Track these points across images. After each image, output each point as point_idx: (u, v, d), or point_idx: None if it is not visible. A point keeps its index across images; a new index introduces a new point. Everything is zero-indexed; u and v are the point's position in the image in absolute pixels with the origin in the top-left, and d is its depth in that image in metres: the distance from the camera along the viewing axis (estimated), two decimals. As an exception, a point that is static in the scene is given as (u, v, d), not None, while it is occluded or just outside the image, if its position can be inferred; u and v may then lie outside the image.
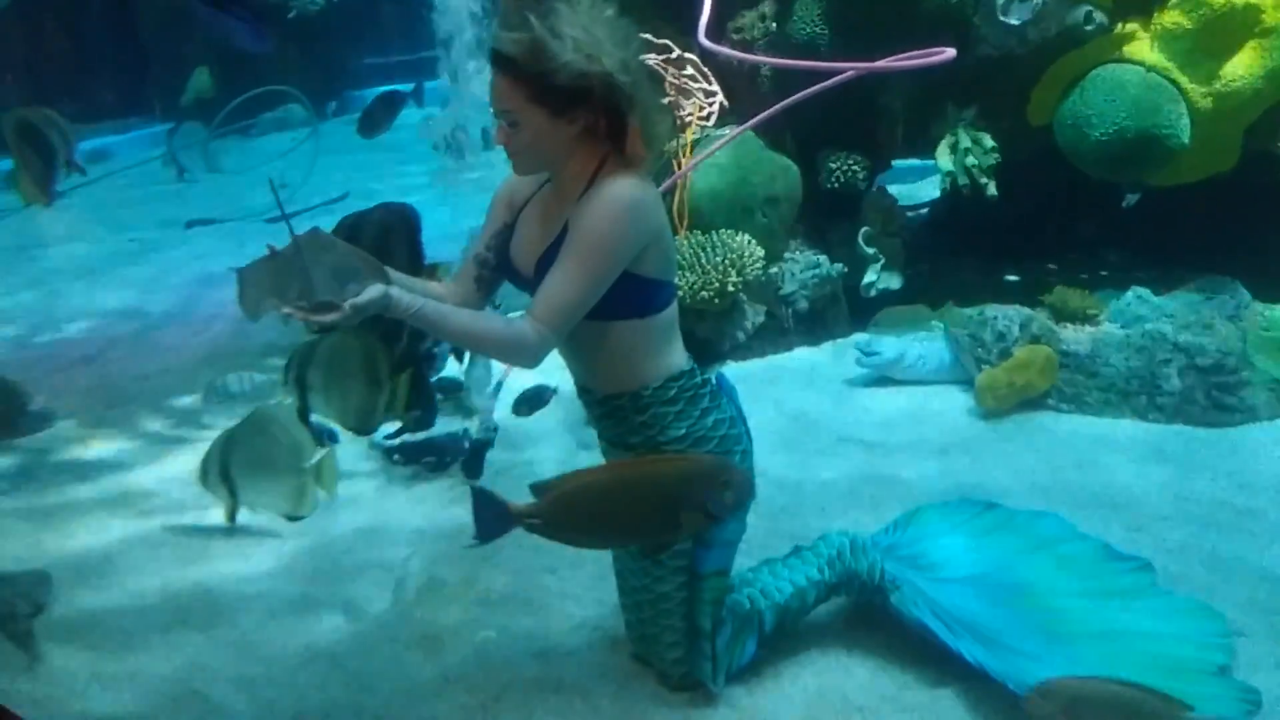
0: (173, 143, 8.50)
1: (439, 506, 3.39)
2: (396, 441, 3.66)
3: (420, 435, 3.66)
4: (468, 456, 3.55)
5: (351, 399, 2.95)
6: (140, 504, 3.50)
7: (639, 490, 2.18)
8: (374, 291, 1.97)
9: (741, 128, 3.87)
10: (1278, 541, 2.95)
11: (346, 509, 3.41)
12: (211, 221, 7.41)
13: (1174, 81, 3.98)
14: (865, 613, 2.61)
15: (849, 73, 3.50)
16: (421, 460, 3.63)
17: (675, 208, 4.28)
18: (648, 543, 2.30)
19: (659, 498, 2.17)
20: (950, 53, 2.92)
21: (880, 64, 3.52)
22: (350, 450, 3.77)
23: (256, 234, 4.56)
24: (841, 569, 2.53)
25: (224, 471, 3.01)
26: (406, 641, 2.69)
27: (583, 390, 2.35)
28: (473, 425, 3.70)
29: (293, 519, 3.01)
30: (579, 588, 2.87)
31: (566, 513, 2.15)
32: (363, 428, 3.03)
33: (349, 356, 2.94)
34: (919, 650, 2.47)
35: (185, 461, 3.64)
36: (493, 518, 2.19)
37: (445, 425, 3.74)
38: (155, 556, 3.17)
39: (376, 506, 3.43)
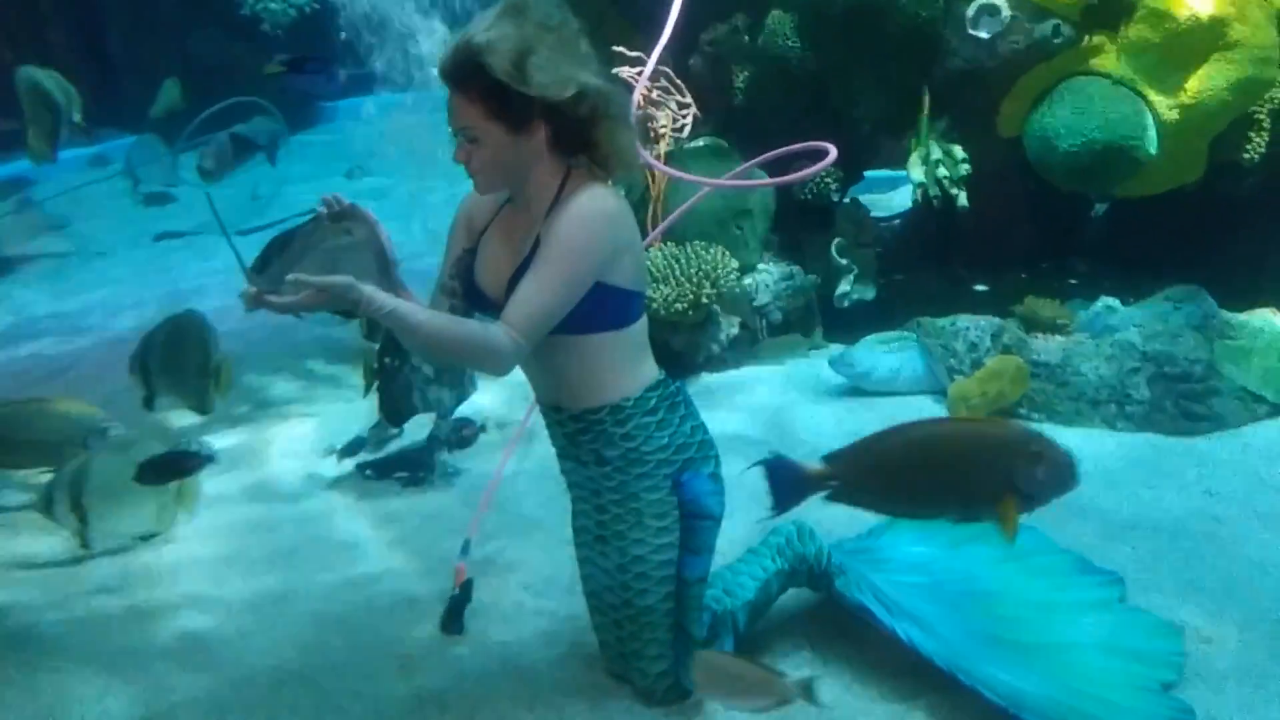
0: (130, 156, 8.40)
1: (411, 522, 3.37)
2: (371, 458, 3.65)
3: (392, 449, 3.65)
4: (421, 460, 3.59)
5: (188, 381, 3.21)
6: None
7: (941, 453, 2.08)
8: (341, 279, 1.92)
9: (696, 197, 3.90)
10: (1247, 549, 2.97)
11: (317, 525, 3.38)
12: (181, 234, 7.34)
13: (1140, 94, 4.03)
14: (839, 623, 2.62)
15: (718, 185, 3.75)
16: (393, 475, 3.61)
17: (649, 219, 4.28)
18: (956, 512, 2.15)
19: (963, 462, 2.06)
20: (832, 154, 3.13)
21: (769, 180, 3.80)
22: (322, 466, 3.76)
23: (227, 247, 4.51)
24: (791, 554, 2.56)
25: (75, 500, 3.05)
26: (379, 660, 2.66)
27: (552, 409, 2.32)
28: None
29: (147, 538, 3.12)
30: (553, 603, 2.85)
31: (866, 475, 2.08)
32: (199, 408, 3.33)
33: (184, 341, 3.20)
34: (893, 662, 2.47)
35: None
36: (789, 485, 2.13)
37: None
38: (124, 579, 3.13)
39: (348, 523, 3.40)
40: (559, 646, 2.68)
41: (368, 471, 3.63)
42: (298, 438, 3.99)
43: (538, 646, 2.69)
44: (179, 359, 3.36)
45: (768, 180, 3.75)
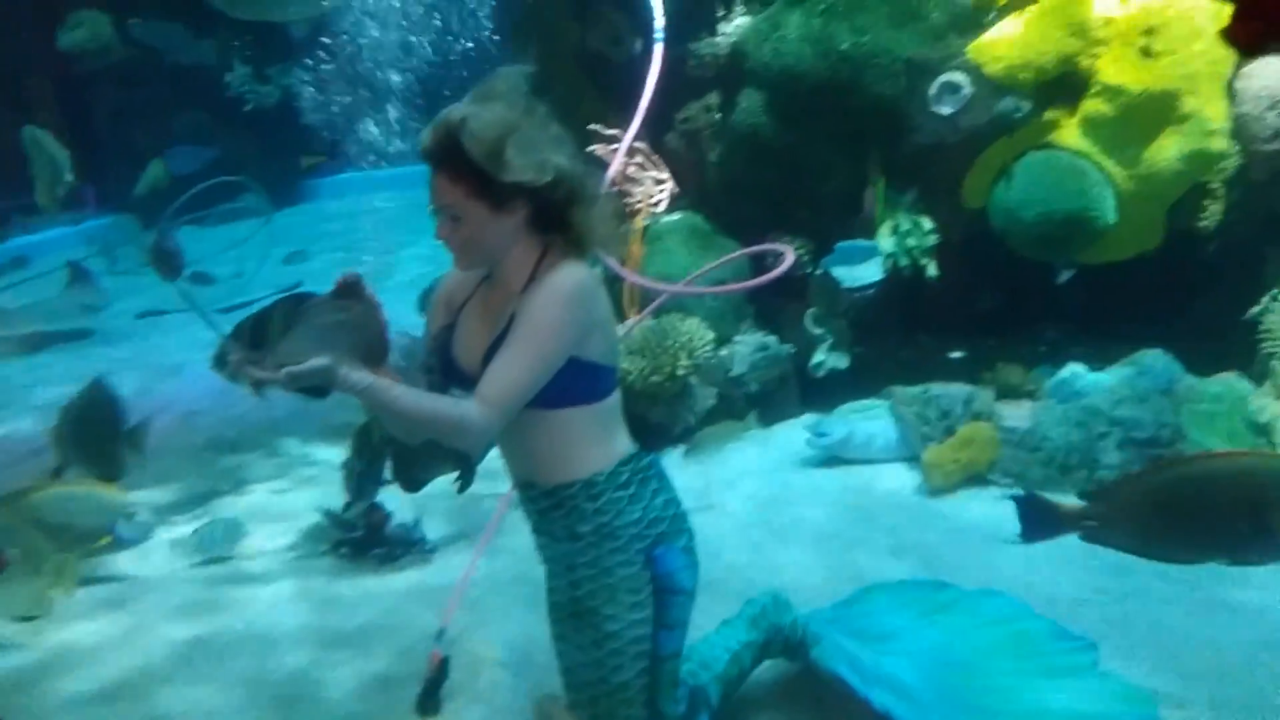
0: (107, 235, 8.50)
1: (387, 601, 3.36)
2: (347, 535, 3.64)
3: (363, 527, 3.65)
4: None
5: (99, 449, 3.44)
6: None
7: (1217, 488, 1.93)
8: (317, 362, 1.94)
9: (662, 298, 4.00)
10: (1216, 613, 3.00)
11: (294, 605, 3.37)
12: (163, 312, 7.36)
13: (1099, 165, 4.15)
14: (814, 694, 2.62)
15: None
16: (369, 554, 3.61)
17: (625, 296, 4.35)
18: (1227, 556, 2.02)
19: (1241, 499, 1.91)
20: (790, 258, 3.36)
21: (731, 287, 3.98)
22: (296, 543, 3.75)
23: (209, 325, 4.56)
24: (767, 625, 2.57)
25: None
26: (354, 742, 2.65)
27: (526, 486, 2.34)
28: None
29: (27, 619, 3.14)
30: (528, 681, 2.84)
31: (1129, 514, 1.95)
32: (108, 474, 3.51)
33: (96, 410, 3.45)
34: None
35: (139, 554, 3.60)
36: (1042, 522, 2.07)
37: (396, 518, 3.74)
38: (93, 658, 3.10)
39: (321, 601, 3.38)
40: (536, 726, 2.67)
41: (343, 550, 3.63)
42: (274, 515, 3.98)
43: (514, 726, 2.68)
44: (91, 428, 3.61)
45: (731, 286, 3.92)
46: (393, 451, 3.49)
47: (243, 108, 9.73)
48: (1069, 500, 2.08)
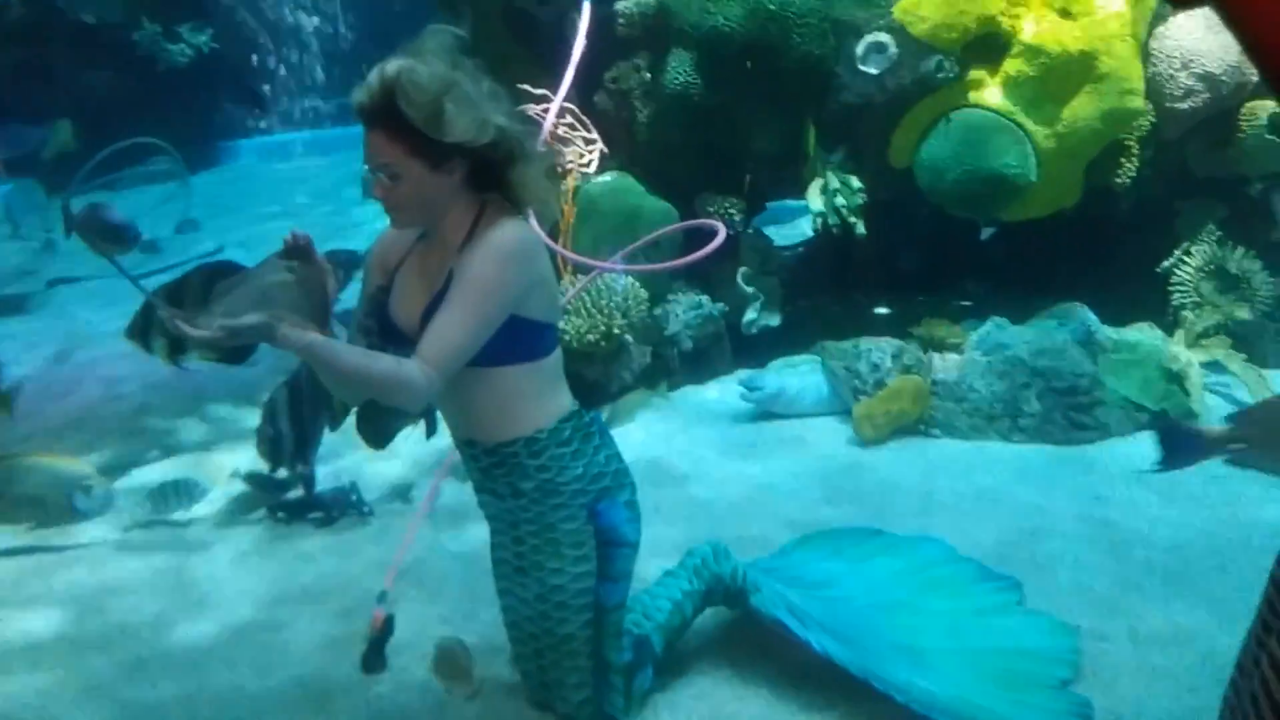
0: (9, 202, 8.14)
1: (327, 563, 3.34)
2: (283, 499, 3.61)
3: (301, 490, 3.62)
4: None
5: None
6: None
7: None
8: (253, 317, 1.91)
9: (591, 276, 4.05)
10: (1134, 550, 3.14)
11: (233, 569, 3.33)
12: (75, 280, 7.12)
13: (1020, 124, 4.26)
14: (756, 640, 2.69)
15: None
16: (307, 517, 3.58)
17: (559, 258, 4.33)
18: None
19: None
20: (722, 233, 3.32)
21: (663, 265, 3.98)
22: (235, 507, 3.70)
23: (125, 292, 4.41)
24: (708, 574, 2.62)
25: None
26: (298, 702, 2.63)
27: (467, 444, 2.34)
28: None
29: None
30: (473, 636, 2.85)
31: (1275, 433, 1.91)
32: None
33: None
34: (809, 674, 2.55)
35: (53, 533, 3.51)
36: (1185, 448, 2.03)
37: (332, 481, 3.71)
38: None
39: (262, 565, 3.35)
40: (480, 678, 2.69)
41: (280, 514, 3.58)
42: (207, 480, 3.90)
43: (459, 680, 2.69)
44: None
45: (664, 265, 3.93)
46: (359, 411, 3.45)
47: (154, 68, 9.38)
48: (1215, 425, 2.07)
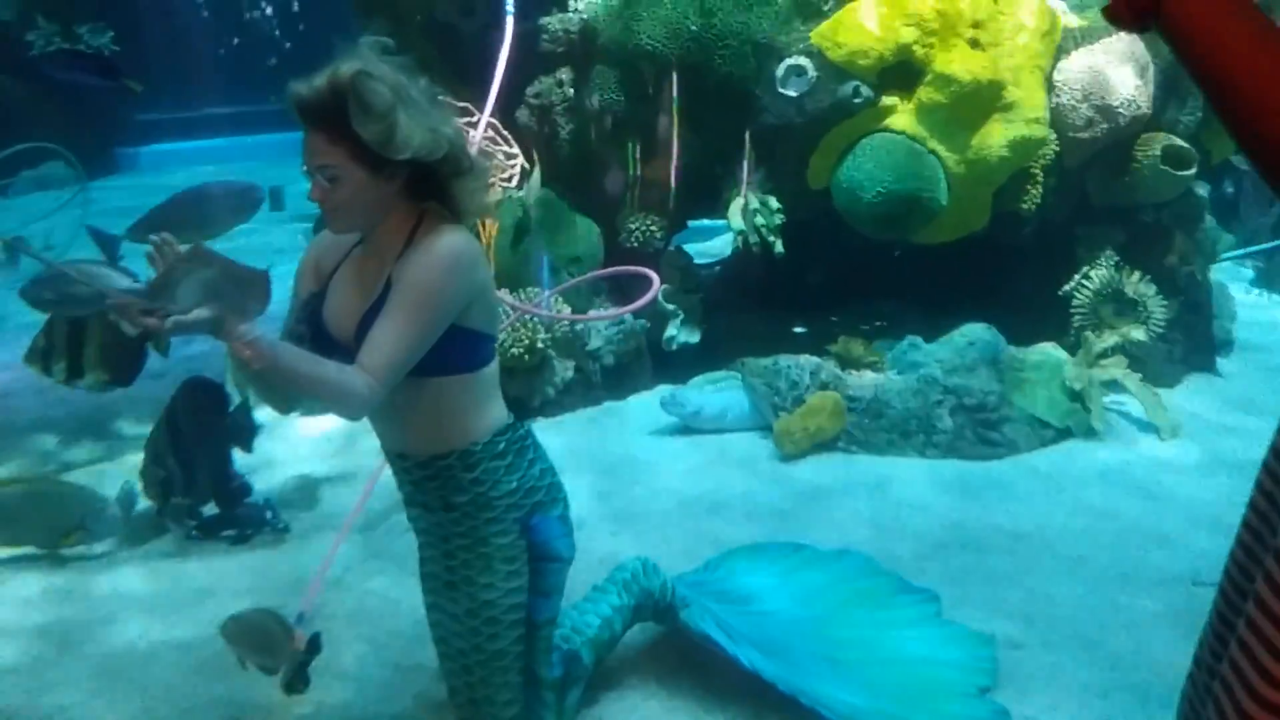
0: None
1: (243, 580, 3.24)
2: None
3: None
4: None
5: None
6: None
7: None
8: (203, 312, 1.83)
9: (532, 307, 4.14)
10: (1043, 560, 3.27)
11: (145, 587, 3.21)
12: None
13: (932, 150, 4.41)
14: (684, 655, 2.70)
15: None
16: (220, 535, 3.47)
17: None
18: None
19: None
20: (657, 283, 3.56)
21: (606, 314, 4.39)
22: (142, 525, 3.57)
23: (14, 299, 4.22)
24: (638, 589, 2.62)
25: None
26: (215, 726, 2.55)
27: (399, 457, 2.30)
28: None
29: None
30: (396, 654, 2.81)
31: None
32: None
33: None
34: (737, 689, 2.57)
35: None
36: None
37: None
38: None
39: (175, 584, 3.23)
40: (404, 700, 2.65)
41: (194, 533, 3.47)
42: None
43: (381, 700, 2.65)
44: None
45: (605, 313, 4.09)
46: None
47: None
48: None
